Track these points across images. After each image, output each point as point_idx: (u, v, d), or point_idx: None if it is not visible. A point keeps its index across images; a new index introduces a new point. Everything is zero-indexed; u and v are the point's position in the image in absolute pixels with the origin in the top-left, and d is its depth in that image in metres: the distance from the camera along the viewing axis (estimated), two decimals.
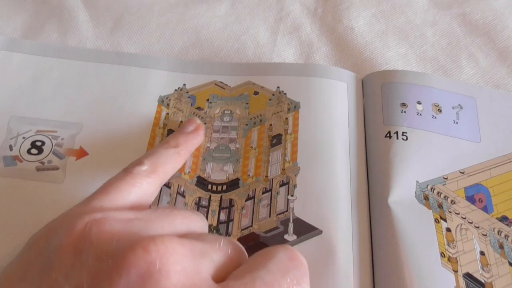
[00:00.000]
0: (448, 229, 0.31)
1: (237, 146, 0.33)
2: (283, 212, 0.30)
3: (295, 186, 0.31)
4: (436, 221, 0.31)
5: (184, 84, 0.37)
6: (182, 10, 0.43)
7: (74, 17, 0.42)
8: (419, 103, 0.36)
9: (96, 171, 0.32)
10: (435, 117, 0.36)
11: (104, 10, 0.42)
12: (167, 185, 0.32)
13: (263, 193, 0.31)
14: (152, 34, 0.41)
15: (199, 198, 0.31)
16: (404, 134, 0.34)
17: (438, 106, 0.36)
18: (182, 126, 0.32)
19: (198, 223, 0.23)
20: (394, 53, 0.42)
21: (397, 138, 0.34)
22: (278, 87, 0.36)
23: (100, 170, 0.32)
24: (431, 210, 0.32)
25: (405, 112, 0.35)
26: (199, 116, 0.35)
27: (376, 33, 0.43)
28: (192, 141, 0.31)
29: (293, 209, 0.30)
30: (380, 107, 0.36)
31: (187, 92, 0.36)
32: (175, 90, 0.36)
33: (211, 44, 0.41)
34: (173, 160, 0.29)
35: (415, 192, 0.32)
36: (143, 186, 0.25)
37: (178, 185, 0.32)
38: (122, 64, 0.37)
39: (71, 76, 0.36)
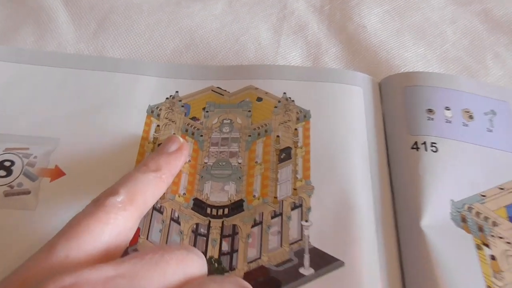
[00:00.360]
0: (493, 257, 0.26)
1: (240, 161, 0.29)
2: (297, 241, 0.25)
3: (309, 209, 0.26)
4: (478, 247, 0.26)
5: (177, 92, 0.32)
6: (174, 8, 0.38)
7: (53, 18, 0.37)
8: (447, 109, 0.31)
9: (75, 195, 0.27)
10: (467, 125, 0.31)
11: (87, 9, 0.38)
12: (159, 210, 0.27)
13: (272, 217, 0.26)
14: (141, 36, 0.37)
15: (197, 224, 0.26)
16: (434, 145, 0.29)
17: (469, 112, 0.32)
18: (163, 145, 0.27)
19: (195, 263, 0.18)
20: (412, 53, 0.38)
21: (426, 149, 0.29)
22: (284, 93, 0.31)
23: (79, 193, 0.27)
24: (471, 235, 0.27)
25: (432, 119, 0.31)
26: (194, 128, 0.30)
27: (391, 32, 0.39)
28: (175, 163, 0.26)
29: (308, 237, 0.25)
30: (403, 114, 0.31)
31: (180, 101, 0.31)
32: (167, 98, 0.32)
33: (207, 46, 0.36)
34: (154, 187, 0.24)
35: (451, 213, 0.27)
36: (119, 222, 0.20)
37: (172, 209, 0.27)
38: (106, 70, 0.32)
39: (48, 85, 0.31)
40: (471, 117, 0.31)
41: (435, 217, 0.27)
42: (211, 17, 0.38)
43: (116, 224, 0.20)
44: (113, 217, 0.20)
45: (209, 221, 0.26)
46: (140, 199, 0.23)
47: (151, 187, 0.24)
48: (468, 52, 0.39)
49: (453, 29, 0.40)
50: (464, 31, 0.40)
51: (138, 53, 0.36)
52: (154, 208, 0.27)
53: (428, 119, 0.31)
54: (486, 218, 0.28)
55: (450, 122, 0.31)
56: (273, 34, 0.38)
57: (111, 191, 0.22)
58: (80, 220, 0.19)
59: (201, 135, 0.30)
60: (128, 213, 0.21)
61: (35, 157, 0.28)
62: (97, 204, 0.21)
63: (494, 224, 0.27)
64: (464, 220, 0.27)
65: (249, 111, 0.31)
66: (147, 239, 0.26)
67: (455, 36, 0.40)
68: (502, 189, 0.29)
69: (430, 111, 0.31)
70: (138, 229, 0.26)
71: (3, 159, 0.28)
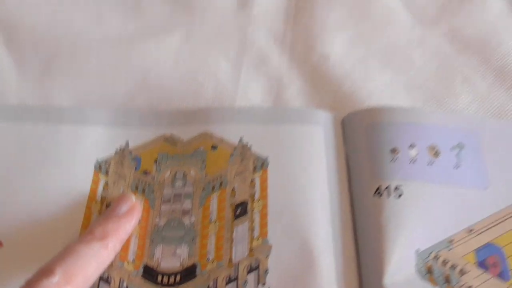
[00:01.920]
0: None
1: (193, 220, 0.27)
2: None
3: (266, 271, 0.25)
4: None
5: (127, 142, 0.30)
6: (126, 47, 0.37)
7: None
8: (412, 146, 0.30)
9: (13, 268, 0.25)
10: (432, 163, 0.29)
11: (31, 50, 0.36)
12: (106, 279, 0.25)
13: (227, 283, 0.25)
14: (90, 79, 0.35)
15: None
16: (397, 189, 0.28)
17: (435, 148, 0.30)
18: (113, 207, 0.25)
19: None
20: (378, 82, 0.36)
21: (389, 195, 0.27)
22: (241, 138, 0.30)
23: (18, 265, 0.25)
24: (437, 287, 0.25)
25: (396, 160, 0.29)
26: (145, 183, 0.28)
27: (356, 60, 0.37)
28: (125, 227, 0.24)
29: None
30: (365, 155, 0.30)
31: (130, 153, 0.30)
32: (116, 151, 0.30)
33: (162, 86, 0.35)
34: (98, 259, 0.22)
35: (416, 265, 0.26)
36: None
37: (120, 279, 0.25)
38: (50, 122, 0.30)
39: None
40: (437, 153, 0.30)
41: (399, 271, 0.25)
42: (166, 54, 0.36)
43: None
44: None
45: None
46: (80, 277, 0.21)
47: (95, 260, 0.22)
48: (436, 77, 0.37)
49: (420, 52, 0.39)
50: (432, 54, 0.39)
51: (88, 98, 0.34)
52: (100, 278, 0.25)
53: (392, 160, 0.29)
54: (453, 267, 0.26)
55: (414, 161, 0.29)
56: (232, 70, 0.36)
57: (46, 271, 0.21)
58: None
59: (153, 191, 0.28)
60: None
61: None
62: (30, 286, 0.19)
63: (462, 272, 0.26)
64: (430, 271, 0.26)
65: (203, 161, 0.29)
66: None
67: (422, 60, 0.38)
68: (471, 231, 0.28)
69: (393, 150, 0.29)
70: None
71: None
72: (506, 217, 0.29)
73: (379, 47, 0.39)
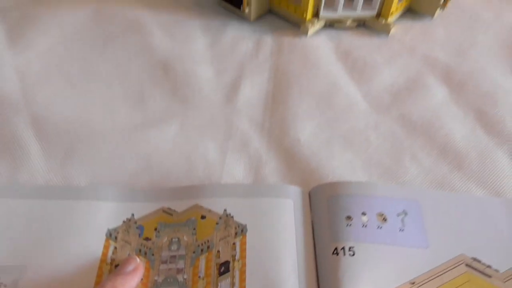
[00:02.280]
0: None
1: (185, 276, 0.33)
2: None
3: None
4: None
5: (133, 214, 0.37)
6: (132, 135, 0.45)
7: (26, 152, 0.43)
8: (363, 214, 0.37)
9: None
10: (381, 227, 0.36)
11: (56, 140, 0.44)
12: None
13: None
14: (103, 162, 0.42)
15: None
16: (351, 249, 0.34)
17: (383, 215, 0.37)
18: (121, 266, 0.32)
19: None
20: (340, 161, 0.44)
21: (344, 254, 0.34)
22: (225, 209, 0.37)
23: None
24: None
25: (350, 225, 0.36)
26: (147, 247, 0.35)
27: (322, 142, 0.45)
28: (130, 283, 0.31)
29: None
30: (326, 222, 0.36)
31: (135, 223, 0.36)
32: (124, 221, 0.36)
33: (161, 167, 0.42)
34: None
35: None
36: None
37: None
38: (70, 199, 0.37)
39: (17, 216, 0.36)
40: (384, 219, 0.37)
41: None
42: (165, 140, 0.44)
43: None
44: None
45: None
46: None
47: None
48: (389, 155, 0.45)
49: (376, 134, 0.47)
50: (385, 136, 0.47)
51: (100, 178, 0.41)
52: None
53: (347, 226, 0.36)
54: None
55: (366, 226, 0.36)
56: (219, 152, 0.44)
57: None
58: None
59: (153, 254, 0.34)
60: None
61: (5, 286, 0.32)
62: None
63: None
64: None
65: (194, 228, 0.36)
66: None
67: (378, 141, 0.46)
68: (413, 283, 0.34)
69: (348, 218, 0.36)
70: None
71: None
72: (443, 271, 0.35)
73: (341, 131, 0.47)
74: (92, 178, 0.41)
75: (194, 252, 0.34)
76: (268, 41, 0.56)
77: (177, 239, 0.35)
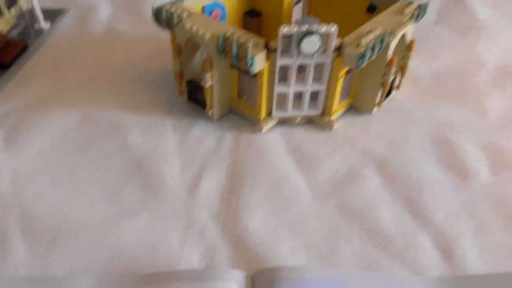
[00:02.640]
0: None
1: None
2: None
3: None
4: None
5: None
6: (107, 225, 0.52)
7: (12, 246, 0.50)
8: None
9: None
10: None
11: (39, 234, 0.51)
12: None
13: None
14: (80, 251, 0.49)
15: None
16: None
17: None
18: None
19: None
20: (284, 245, 0.51)
21: None
22: None
23: None
24: None
25: None
26: None
27: (269, 229, 0.53)
28: None
29: None
30: None
31: None
32: None
33: (131, 255, 0.49)
34: None
35: None
36: None
37: None
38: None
39: None
40: None
41: None
42: (135, 231, 0.52)
43: None
44: None
45: None
46: None
47: None
48: (326, 239, 0.52)
49: (316, 221, 0.54)
50: (325, 221, 0.54)
51: (77, 266, 0.48)
52: None
53: None
54: None
55: None
56: (180, 241, 0.51)
57: None
58: None
59: None
60: None
61: None
62: None
63: None
64: None
65: None
66: None
67: (318, 227, 0.54)
68: None
69: None
70: None
71: None
72: None
73: (287, 218, 0.54)
74: (69, 267, 0.48)
75: None
76: (229, 138, 0.66)
77: None
